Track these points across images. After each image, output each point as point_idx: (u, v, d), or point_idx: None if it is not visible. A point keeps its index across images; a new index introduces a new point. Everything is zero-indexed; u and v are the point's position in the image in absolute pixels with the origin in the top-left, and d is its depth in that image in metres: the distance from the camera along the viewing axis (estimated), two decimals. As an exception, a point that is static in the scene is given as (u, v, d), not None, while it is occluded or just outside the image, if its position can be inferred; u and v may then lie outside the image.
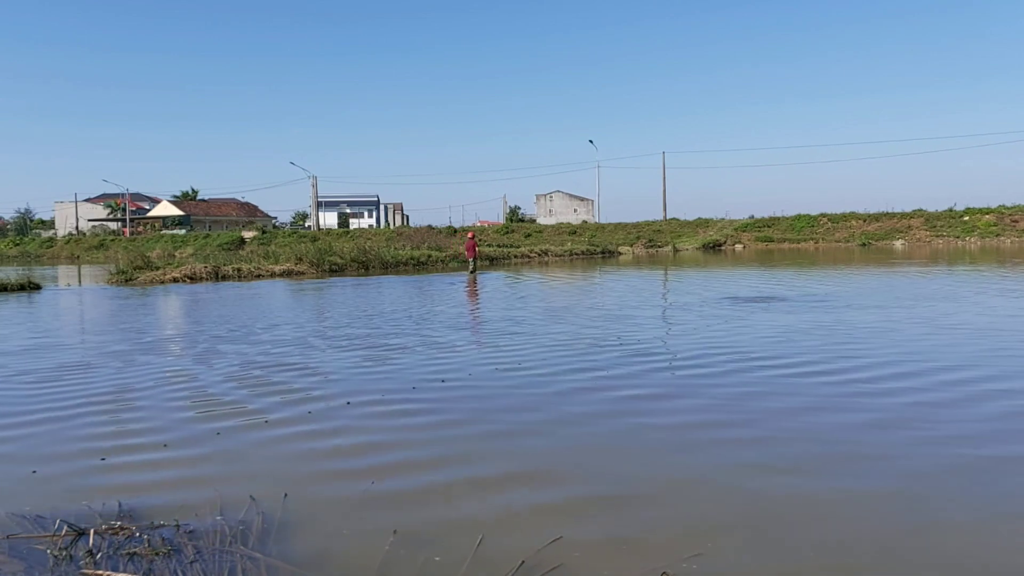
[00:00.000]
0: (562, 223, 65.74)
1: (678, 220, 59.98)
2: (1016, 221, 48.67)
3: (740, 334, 9.77)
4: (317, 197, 72.35)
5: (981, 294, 14.57)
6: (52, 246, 72.17)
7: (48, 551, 3.39)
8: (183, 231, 74.07)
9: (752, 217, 57.93)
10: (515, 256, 40.38)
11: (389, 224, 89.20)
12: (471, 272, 26.62)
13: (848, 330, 9.90)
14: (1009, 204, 50.78)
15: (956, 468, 4.32)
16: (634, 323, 11.23)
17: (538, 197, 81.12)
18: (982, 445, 4.74)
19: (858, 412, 5.63)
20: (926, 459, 4.49)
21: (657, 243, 51.94)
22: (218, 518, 3.75)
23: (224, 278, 25.44)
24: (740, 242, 52.50)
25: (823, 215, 54.81)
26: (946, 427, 5.15)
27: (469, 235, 28.87)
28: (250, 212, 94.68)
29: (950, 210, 52.37)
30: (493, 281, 22.71)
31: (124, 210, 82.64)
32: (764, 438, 5.00)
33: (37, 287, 21.66)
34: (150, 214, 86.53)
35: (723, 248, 50.22)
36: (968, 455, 4.55)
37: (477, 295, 17.86)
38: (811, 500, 3.90)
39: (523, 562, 3.19)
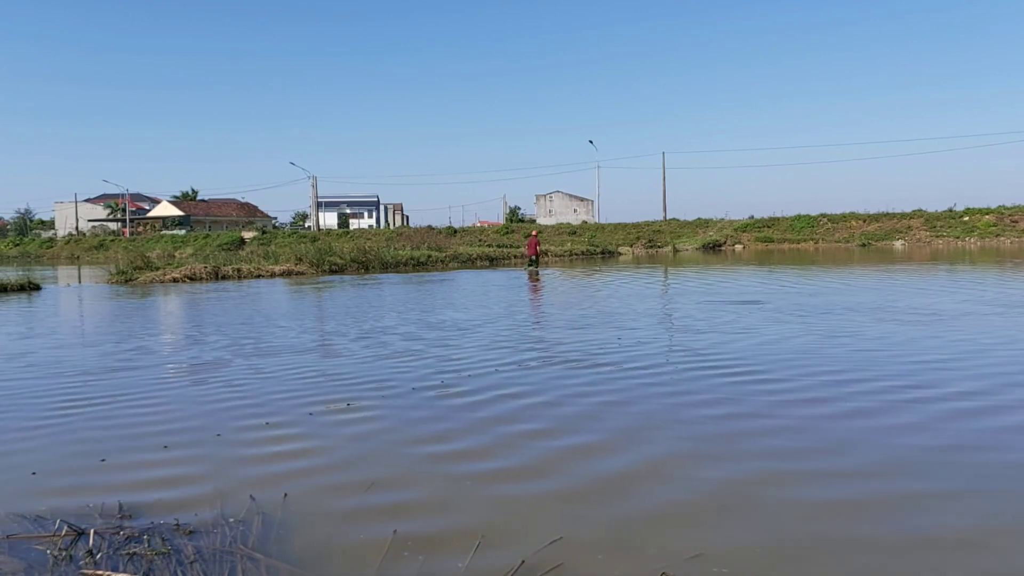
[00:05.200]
0: (562, 223, 65.74)
1: (678, 220, 60.00)
2: (1016, 221, 48.65)
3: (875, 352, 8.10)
4: (317, 197, 72.35)
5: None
6: (52, 246, 72.20)
7: (48, 551, 3.39)
8: (183, 231, 74.10)
9: (752, 217, 57.97)
10: (515, 256, 40.37)
11: (389, 224, 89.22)
12: (531, 267, 28.20)
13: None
14: (1009, 204, 50.78)
15: None
16: (728, 341, 9.09)
17: (538, 197, 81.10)
18: None
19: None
20: None
21: (657, 243, 51.95)
22: (218, 518, 3.75)
23: (224, 278, 25.44)
24: (740, 242, 52.50)
25: (823, 215, 54.83)
26: None
27: (533, 233, 30.06)
28: (250, 212, 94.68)
29: (950, 210, 52.36)
30: (551, 279, 22.79)
31: (124, 210, 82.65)
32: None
33: (37, 287, 21.65)
34: (150, 214, 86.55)
35: (723, 248, 50.20)
36: None
37: (539, 293, 18.14)
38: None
39: (523, 562, 3.19)
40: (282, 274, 26.88)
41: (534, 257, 28.75)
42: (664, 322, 11.38)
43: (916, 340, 8.96)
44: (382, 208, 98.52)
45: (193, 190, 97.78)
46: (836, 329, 9.98)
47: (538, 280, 22.49)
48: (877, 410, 5.63)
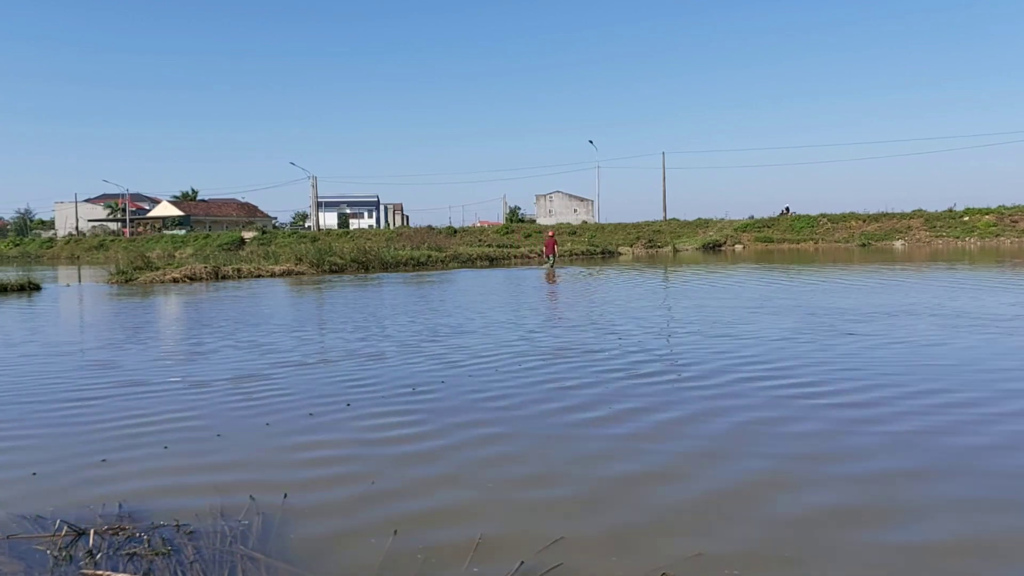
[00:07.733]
0: (562, 223, 65.75)
1: (678, 220, 59.98)
2: (1016, 221, 48.62)
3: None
4: (317, 197, 72.33)
5: None
6: (52, 246, 72.20)
7: (48, 551, 3.39)
8: (183, 231, 74.07)
9: (752, 217, 57.95)
10: (515, 256, 40.40)
11: (389, 224, 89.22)
12: (550, 266, 29.58)
13: None
14: (1009, 204, 50.72)
15: None
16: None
17: (538, 197, 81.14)
18: None
19: None
20: None
21: (657, 243, 51.92)
22: (218, 518, 3.74)
23: (224, 278, 25.45)
24: (740, 242, 52.48)
25: (823, 215, 54.81)
26: None
27: (550, 233, 31.97)
28: (250, 212, 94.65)
29: (950, 210, 52.33)
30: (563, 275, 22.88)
31: (124, 210, 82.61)
32: None
33: (37, 287, 21.65)
34: (150, 214, 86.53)
35: (723, 248, 50.19)
36: None
37: (556, 293, 18.47)
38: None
39: (523, 562, 3.18)
40: (282, 274, 26.89)
41: (552, 256, 29.86)
42: (722, 328, 10.26)
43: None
44: (382, 208, 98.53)
45: (193, 190, 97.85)
46: (921, 338, 8.91)
47: (556, 280, 22.70)
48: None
